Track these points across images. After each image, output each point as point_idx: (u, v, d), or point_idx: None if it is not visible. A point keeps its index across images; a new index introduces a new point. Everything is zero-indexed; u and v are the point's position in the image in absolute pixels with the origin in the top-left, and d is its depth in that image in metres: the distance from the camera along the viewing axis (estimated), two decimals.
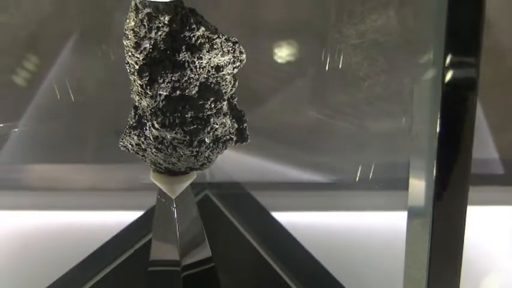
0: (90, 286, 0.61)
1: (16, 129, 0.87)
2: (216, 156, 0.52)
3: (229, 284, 0.60)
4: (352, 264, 0.71)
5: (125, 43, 0.48)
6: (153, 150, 0.51)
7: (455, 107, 0.41)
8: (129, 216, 0.75)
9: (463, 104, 0.41)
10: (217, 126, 0.50)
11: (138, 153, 0.52)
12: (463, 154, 0.44)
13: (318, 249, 0.68)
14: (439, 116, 0.41)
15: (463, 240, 0.47)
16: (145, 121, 0.50)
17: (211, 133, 0.50)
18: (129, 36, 0.47)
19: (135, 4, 0.46)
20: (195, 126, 0.49)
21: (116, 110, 0.92)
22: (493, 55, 0.87)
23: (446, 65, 0.40)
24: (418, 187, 0.46)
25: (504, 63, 0.87)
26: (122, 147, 0.53)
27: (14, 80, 0.87)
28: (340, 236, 0.75)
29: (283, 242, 0.66)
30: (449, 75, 0.40)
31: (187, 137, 0.49)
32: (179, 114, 0.48)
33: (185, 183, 0.53)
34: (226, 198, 0.71)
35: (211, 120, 0.50)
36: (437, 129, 0.42)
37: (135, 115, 0.51)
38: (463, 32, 0.39)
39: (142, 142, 0.51)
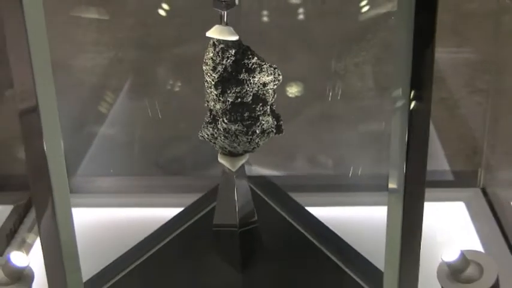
0: (168, 241, 0.86)
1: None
2: (262, 143, 0.78)
3: (267, 238, 0.86)
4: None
5: (204, 68, 0.75)
6: (222, 138, 0.76)
7: (417, 124, 0.64)
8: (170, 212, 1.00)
9: (421, 122, 0.64)
10: (263, 122, 0.76)
11: (211, 141, 0.78)
12: (421, 155, 0.67)
13: None
14: (407, 130, 0.65)
15: (422, 215, 0.71)
16: (218, 118, 0.76)
17: (259, 126, 0.76)
18: (208, 63, 0.74)
19: (213, 42, 0.73)
20: (249, 122, 0.75)
21: (157, 146, 1.21)
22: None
23: (411, 96, 0.63)
24: (395, 178, 0.70)
25: None
26: (200, 137, 0.79)
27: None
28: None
29: (300, 212, 0.92)
30: (413, 103, 0.64)
31: (245, 129, 0.75)
32: (240, 114, 0.74)
33: (242, 161, 0.79)
34: (259, 185, 0.97)
35: (260, 118, 0.76)
36: (406, 139, 0.68)
37: (210, 115, 0.77)
38: (421, 76, 0.62)
39: (215, 133, 0.77)
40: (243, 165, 0.80)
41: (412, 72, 0.62)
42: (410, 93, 0.64)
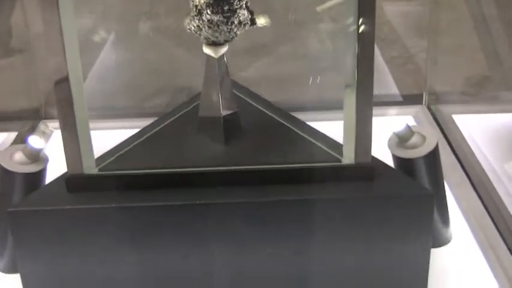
0: (159, 129, 1.01)
1: None
2: (240, 32, 0.94)
3: (245, 121, 1.01)
4: None
5: None
6: (206, 28, 0.92)
7: (364, 37, 0.83)
8: None
9: (367, 36, 0.84)
10: (240, 15, 0.92)
11: (196, 32, 0.94)
12: (369, 67, 0.86)
13: None
14: (357, 54, 0.84)
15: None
16: (202, 11, 0.91)
17: (237, 18, 0.92)
18: None
19: None
20: (229, 14, 0.91)
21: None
22: None
23: (359, 29, 0.83)
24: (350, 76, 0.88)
25: None
26: (187, 29, 0.94)
27: None
28: None
29: (271, 105, 1.08)
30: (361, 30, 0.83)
31: (225, 20, 0.91)
32: (220, 7, 0.90)
33: (223, 49, 0.94)
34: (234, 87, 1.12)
35: (238, 11, 0.91)
36: (357, 51, 0.85)
37: (195, 9, 0.92)
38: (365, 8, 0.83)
39: (200, 24, 0.92)
40: (223, 57, 0.96)
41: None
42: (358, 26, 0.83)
